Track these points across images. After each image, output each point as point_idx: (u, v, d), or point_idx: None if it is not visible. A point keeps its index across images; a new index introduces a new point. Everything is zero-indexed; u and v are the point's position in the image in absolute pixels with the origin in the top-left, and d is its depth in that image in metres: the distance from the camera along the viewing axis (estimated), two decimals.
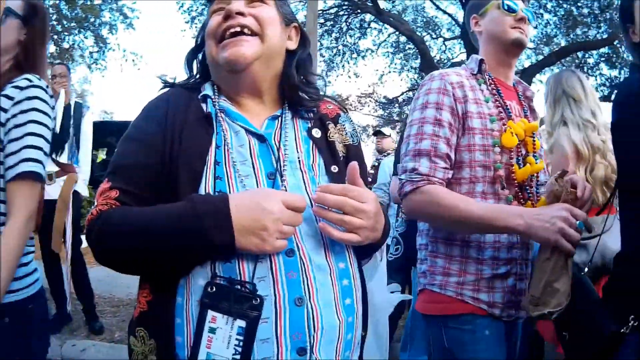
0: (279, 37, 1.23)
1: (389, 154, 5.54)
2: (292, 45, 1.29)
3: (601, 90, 13.92)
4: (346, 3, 13.21)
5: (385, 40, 15.43)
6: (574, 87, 2.48)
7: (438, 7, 14.05)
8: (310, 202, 1.09)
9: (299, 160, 1.18)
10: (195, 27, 13.64)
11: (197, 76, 1.32)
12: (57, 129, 4.03)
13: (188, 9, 13.55)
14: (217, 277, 1.00)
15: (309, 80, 1.31)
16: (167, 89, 1.28)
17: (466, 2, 9.79)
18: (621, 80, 13.00)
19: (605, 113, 2.45)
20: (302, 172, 1.16)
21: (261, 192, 1.04)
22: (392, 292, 1.78)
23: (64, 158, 4.11)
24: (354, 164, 1.11)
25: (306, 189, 1.14)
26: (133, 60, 16.06)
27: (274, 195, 1.01)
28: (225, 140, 1.14)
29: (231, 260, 1.01)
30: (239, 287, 0.99)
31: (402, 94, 16.96)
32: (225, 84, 1.23)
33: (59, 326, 4.19)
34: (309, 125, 1.26)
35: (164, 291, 1.04)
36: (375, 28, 14.91)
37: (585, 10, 12.50)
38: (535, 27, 13.69)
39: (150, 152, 1.11)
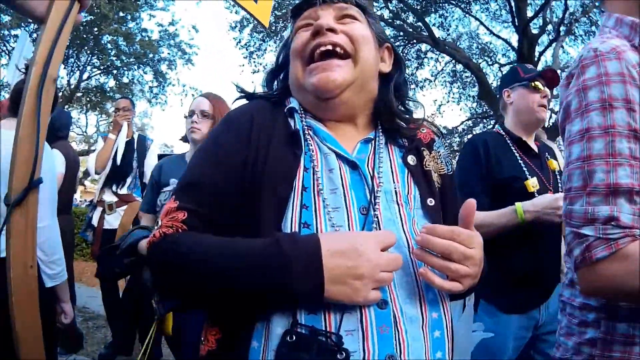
0: (373, 59, 1.10)
1: None
2: (386, 67, 1.16)
3: None
4: (401, 33, 13.25)
5: (442, 70, 15.36)
6: None
7: (492, 32, 13.87)
8: (407, 241, 0.97)
9: (396, 192, 1.03)
10: (254, 61, 14.03)
11: (277, 93, 1.18)
12: (119, 162, 4.16)
13: (245, 44, 13.98)
14: (298, 324, 0.86)
15: (407, 106, 1.19)
16: (246, 101, 1.16)
17: (519, 25, 9.53)
18: None
19: None
20: (398, 205, 1.01)
21: (357, 236, 0.90)
22: (474, 331, 1.59)
23: (124, 190, 4.19)
24: (472, 202, 0.94)
25: (402, 226, 0.99)
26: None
27: (370, 238, 0.88)
28: (313, 163, 1.00)
29: (316, 310, 0.88)
30: (322, 338, 0.85)
31: (462, 123, 16.68)
32: (312, 108, 1.10)
33: (114, 354, 4.20)
34: (404, 152, 1.12)
35: (238, 334, 0.92)
36: (432, 58, 14.91)
37: None
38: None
39: (229, 170, 0.99)
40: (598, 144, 1.03)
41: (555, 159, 2.45)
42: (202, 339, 1.00)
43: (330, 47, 1.04)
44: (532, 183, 2.16)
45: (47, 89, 1.23)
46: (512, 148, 2.32)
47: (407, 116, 1.17)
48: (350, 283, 0.84)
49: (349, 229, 0.95)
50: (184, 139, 2.79)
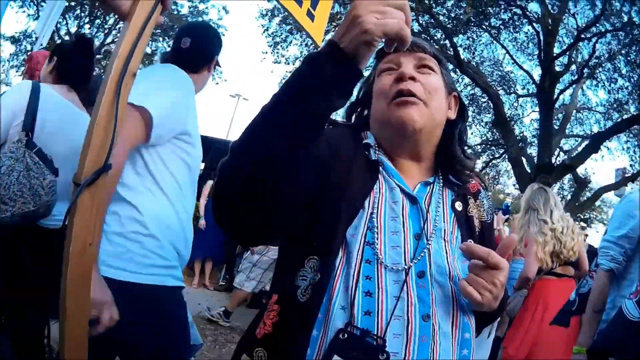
0: (443, 108, 1.24)
1: None
2: (452, 114, 1.30)
3: None
4: None
5: (461, 92, 15.29)
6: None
7: (516, 63, 13.94)
8: (449, 271, 1.10)
9: (444, 231, 1.18)
10: (277, 52, 14.05)
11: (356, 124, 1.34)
12: None
13: (272, 33, 13.97)
14: (352, 326, 1.01)
15: (465, 153, 1.32)
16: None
17: (544, 60, 9.39)
18: None
19: None
20: (445, 241, 1.16)
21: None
22: None
23: None
24: (513, 237, 1.16)
25: (447, 258, 1.13)
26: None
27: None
28: (380, 193, 1.15)
29: (370, 312, 1.02)
30: (370, 339, 1.00)
31: (470, 147, 16.58)
32: (387, 143, 1.24)
33: None
34: (453, 197, 1.26)
35: (298, 320, 1.05)
36: (453, 78, 14.82)
37: None
38: (609, 92, 13.40)
39: (315, 168, 1.09)
40: None
41: None
42: (257, 321, 1.13)
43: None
44: None
45: (126, 82, 1.33)
46: None
47: (465, 162, 1.30)
48: (352, 25, 0.90)
49: (404, 250, 1.10)
50: None
